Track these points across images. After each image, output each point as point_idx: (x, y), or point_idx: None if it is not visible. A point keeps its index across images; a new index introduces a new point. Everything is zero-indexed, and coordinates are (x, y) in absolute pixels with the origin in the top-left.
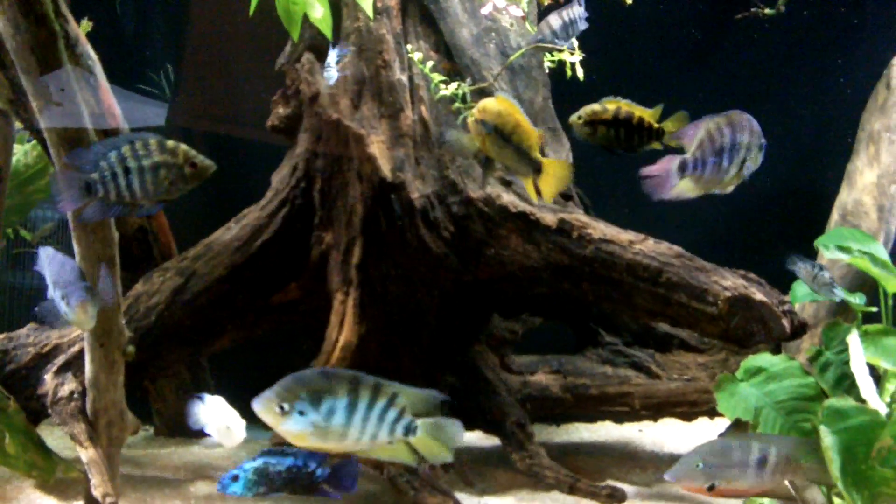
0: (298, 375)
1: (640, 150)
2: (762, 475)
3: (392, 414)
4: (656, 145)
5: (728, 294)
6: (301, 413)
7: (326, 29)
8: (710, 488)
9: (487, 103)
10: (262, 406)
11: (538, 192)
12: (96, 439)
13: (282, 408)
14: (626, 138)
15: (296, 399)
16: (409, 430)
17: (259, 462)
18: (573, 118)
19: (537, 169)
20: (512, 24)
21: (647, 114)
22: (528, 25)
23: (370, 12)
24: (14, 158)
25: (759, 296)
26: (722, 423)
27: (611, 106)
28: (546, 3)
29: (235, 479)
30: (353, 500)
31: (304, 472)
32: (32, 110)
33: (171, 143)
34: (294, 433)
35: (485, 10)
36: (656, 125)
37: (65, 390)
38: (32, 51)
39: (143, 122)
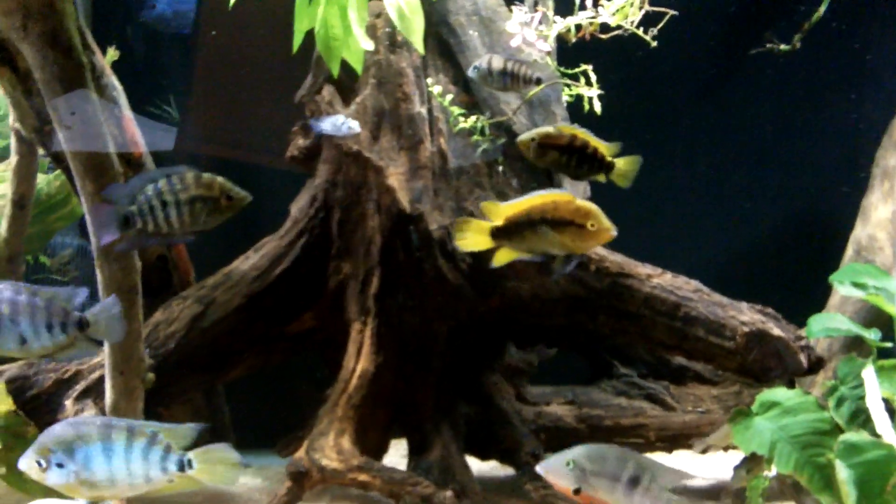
0: (50, 429)
1: (584, 178)
2: (632, 496)
3: (156, 453)
4: (601, 177)
5: (746, 329)
6: (59, 465)
7: (357, 63)
8: (576, 491)
9: None
10: (25, 465)
11: None
12: None
13: (39, 463)
14: (575, 165)
15: (49, 452)
16: (184, 464)
17: None
18: (524, 139)
19: None
20: (535, 60)
21: (601, 145)
22: (548, 60)
23: (420, 48)
24: (37, 187)
25: (776, 331)
26: (736, 456)
27: (566, 131)
28: (572, 41)
29: None
30: None
31: None
32: (58, 140)
33: (206, 176)
34: (60, 486)
35: (514, 43)
36: (608, 158)
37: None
38: (60, 82)
39: (152, 147)
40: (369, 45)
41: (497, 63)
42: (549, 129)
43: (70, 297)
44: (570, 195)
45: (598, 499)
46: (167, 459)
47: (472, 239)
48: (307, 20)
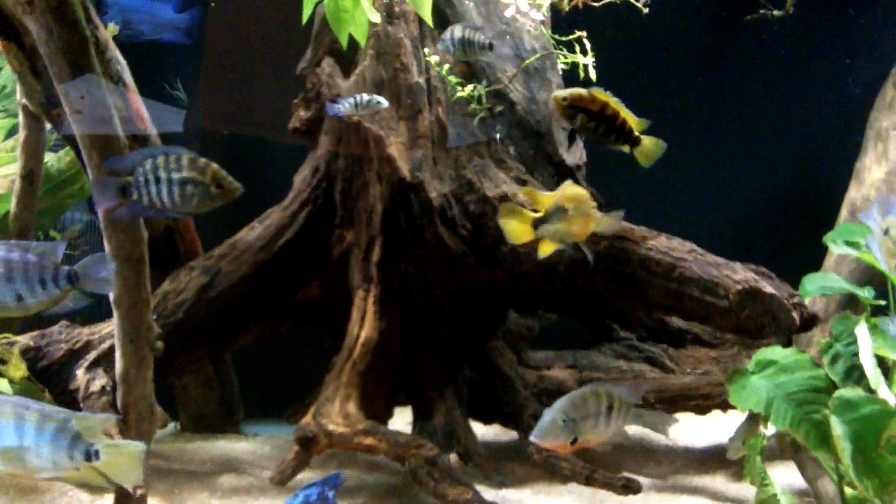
0: None
1: (607, 146)
2: (609, 423)
3: (64, 439)
4: (625, 148)
5: (739, 287)
6: None
7: (362, 35)
8: (573, 442)
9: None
10: None
11: None
12: (126, 433)
13: None
14: (602, 132)
15: None
16: (91, 455)
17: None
18: (557, 96)
19: None
20: (530, 31)
21: (631, 118)
22: (543, 29)
23: (429, 21)
24: (48, 163)
25: (769, 289)
26: (735, 416)
27: (599, 97)
28: (566, 10)
29: None
30: (376, 492)
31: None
32: (65, 115)
33: (202, 161)
34: None
35: (508, 13)
36: (636, 133)
37: (96, 385)
38: (65, 56)
39: (162, 128)
40: (376, 17)
41: (457, 32)
42: (582, 91)
43: (53, 251)
44: (571, 183)
45: (586, 442)
46: (75, 447)
47: (519, 230)
48: None
